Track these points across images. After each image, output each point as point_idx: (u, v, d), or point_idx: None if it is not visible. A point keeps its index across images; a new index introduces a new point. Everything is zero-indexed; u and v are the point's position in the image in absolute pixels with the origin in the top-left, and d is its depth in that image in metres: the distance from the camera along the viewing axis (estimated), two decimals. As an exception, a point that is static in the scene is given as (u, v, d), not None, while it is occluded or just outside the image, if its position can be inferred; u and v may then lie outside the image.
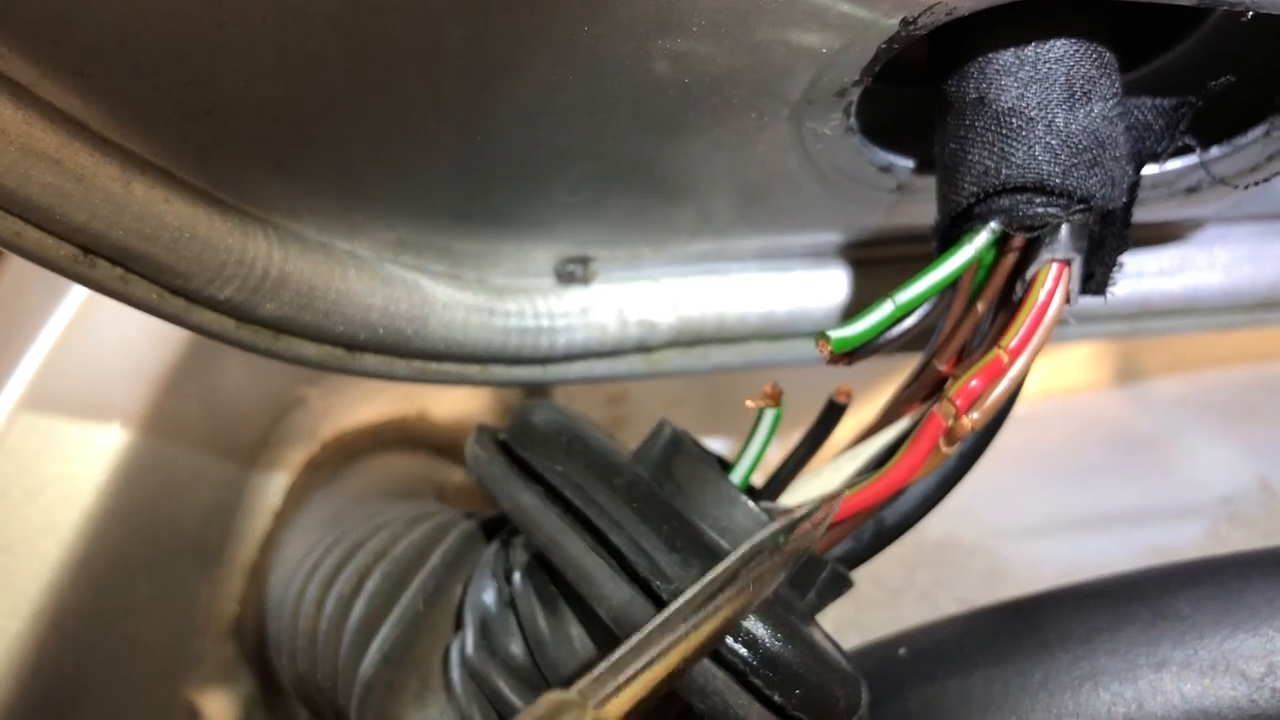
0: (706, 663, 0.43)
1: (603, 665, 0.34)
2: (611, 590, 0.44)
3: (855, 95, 0.46)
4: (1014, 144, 0.45)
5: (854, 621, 0.51)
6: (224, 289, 0.47)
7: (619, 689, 0.33)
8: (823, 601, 0.50)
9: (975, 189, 0.46)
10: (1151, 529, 0.71)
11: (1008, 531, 0.78)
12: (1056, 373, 0.91)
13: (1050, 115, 0.45)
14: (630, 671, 0.34)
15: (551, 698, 0.32)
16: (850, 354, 0.49)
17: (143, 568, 0.66)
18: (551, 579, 0.49)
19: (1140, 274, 0.63)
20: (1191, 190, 0.55)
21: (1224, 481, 0.83)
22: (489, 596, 0.51)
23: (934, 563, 0.76)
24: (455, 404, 0.81)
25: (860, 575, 0.52)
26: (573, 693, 0.33)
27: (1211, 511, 0.81)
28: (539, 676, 0.49)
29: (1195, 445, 0.86)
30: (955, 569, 0.75)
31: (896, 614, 0.57)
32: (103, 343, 0.67)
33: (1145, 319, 0.65)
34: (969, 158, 0.46)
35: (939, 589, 0.74)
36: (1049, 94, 0.45)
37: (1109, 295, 0.56)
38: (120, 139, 0.44)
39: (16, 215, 0.42)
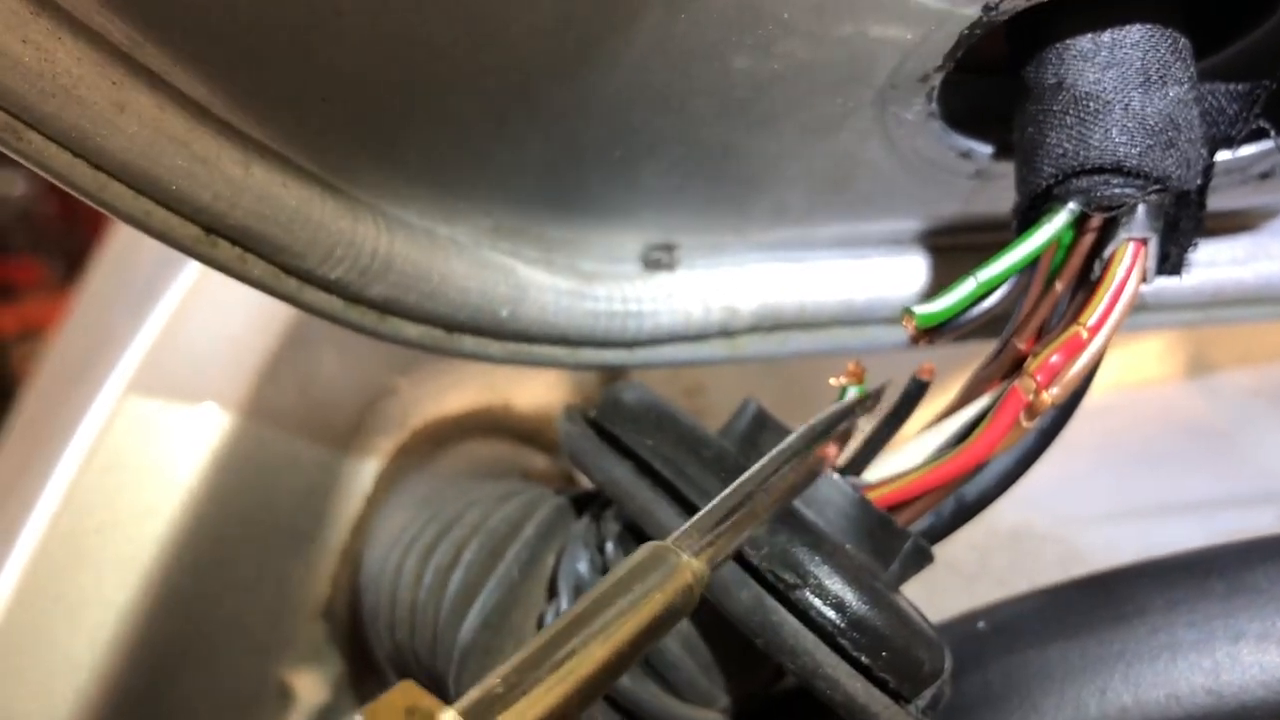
0: (797, 624, 0.45)
1: (694, 519, 0.38)
2: (703, 556, 0.46)
3: (938, 80, 0.48)
4: (1091, 127, 0.47)
5: (931, 605, 0.52)
6: (335, 269, 0.49)
7: (711, 541, 0.37)
8: (905, 573, 0.51)
9: (1054, 170, 0.48)
10: (1225, 516, 0.72)
11: (1082, 519, 0.79)
12: (1129, 366, 0.92)
13: (1126, 99, 0.47)
14: (720, 527, 0.38)
15: (649, 546, 0.36)
16: (932, 331, 0.50)
17: (241, 548, 0.69)
18: (643, 548, 0.51)
19: (1213, 263, 0.64)
20: (1265, 175, 0.56)
21: (1297, 470, 0.84)
22: (582, 565, 0.53)
23: (1009, 549, 0.77)
24: (537, 394, 0.83)
25: (936, 561, 0.54)
26: (668, 542, 0.36)
27: (1283, 499, 0.81)
28: (631, 641, 0.51)
29: (1267, 434, 0.86)
30: (1030, 555, 0.76)
31: (972, 599, 0.58)
32: (204, 332, 0.71)
33: (1218, 308, 0.65)
34: (1047, 140, 0.48)
35: (1014, 574, 0.75)
36: (1125, 78, 0.47)
37: (1184, 276, 0.57)
38: (241, 124, 0.46)
39: (147, 195, 0.45)
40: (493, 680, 0.28)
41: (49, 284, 4.05)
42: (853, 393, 0.52)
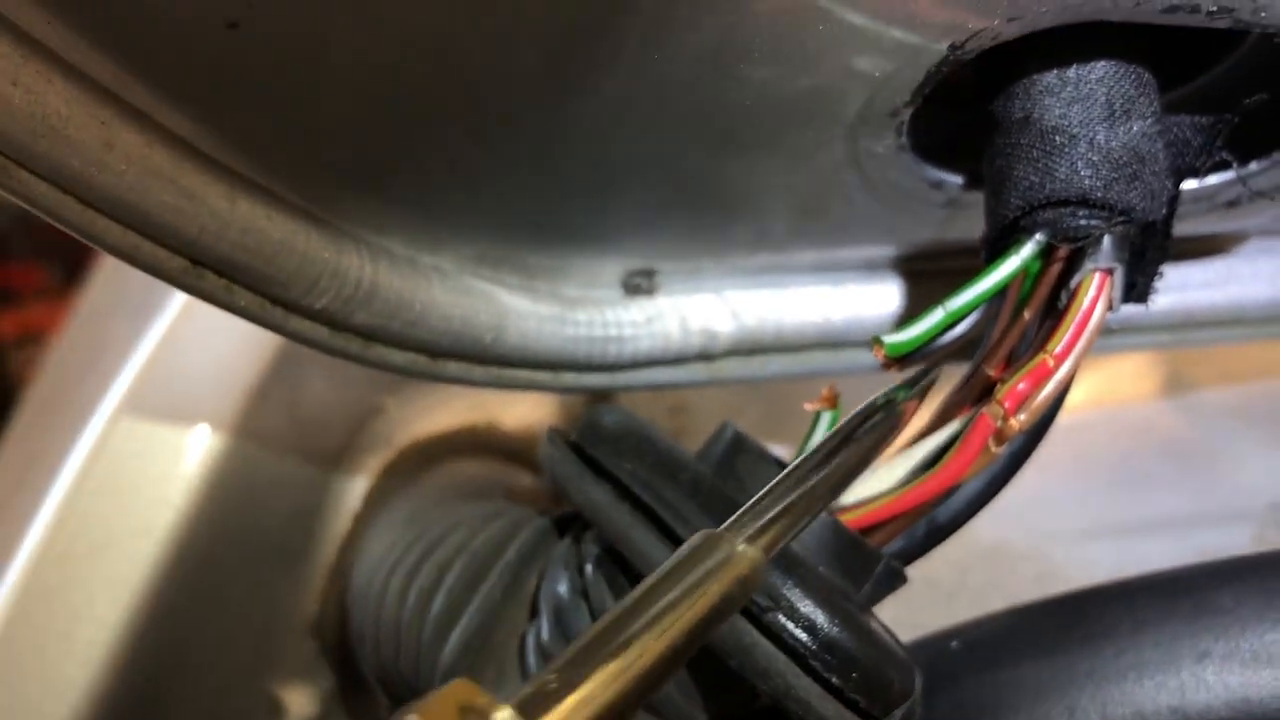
0: (770, 646, 0.46)
1: (746, 507, 0.38)
2: (679, 579, 0.47)
3: (907, 115, 0.49)
4: (1058, 160, 0.48)
5: (908, 622, 0.53)
6: (320, 299, 0.51)
7: (765, 529, 0.37)
8: (878, 595, 0.52)
9: (1021, 203, 0.49)
10: (1200, 534, 0.73)
11: (1059, 536, 0.80)
12: (1105, 385, 0.93)
13: (1092, 133, 0.48)
14: (770, 514, 0.38)
15: (702, 534, 0.35)
16: (903, 359, 0.52)
17: (232, 567, 0.70)
18: (622, 570, 0.52)
19: (1185, 286, 0.65)
20: (1231, 204, 0.57)
21: (1273, 488, 0.84)
22: (562, 587, 0.54)
23: (986, 566, 0.78)
24: (523, 413, 0.84)
25: (914, 578, 0.55)
26: (721, 530, 0.36)
27: (1260, 517, 0.82)
28: (610, 662, 0.52)
29: (1243, 453, 0.87)
30: (1007, 572, 0.77)
31: (950, 615, 0.59)
32: (195, 355, 0.72)
33: (1190, 330, 0.67)
34: (1015, 173, 0.49)
35: (991, 591, 0.76)
36: (1090, 112, 0.48)
37: (1151, 304, 0.59)
38: (227, 160, 0.47)
39: (135, 230, 0.46)
40: (547, 676, 0.28)
41: (49, 289, 4.06)
42: (826, 417, 0.53)
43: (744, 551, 0.35)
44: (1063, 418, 0.54)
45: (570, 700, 0.27)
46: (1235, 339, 0.67)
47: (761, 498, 0.39)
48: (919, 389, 0.51)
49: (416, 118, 0.47)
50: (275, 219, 0.49)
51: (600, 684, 0.28)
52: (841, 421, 0.47)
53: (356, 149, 0.49)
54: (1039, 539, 0.80)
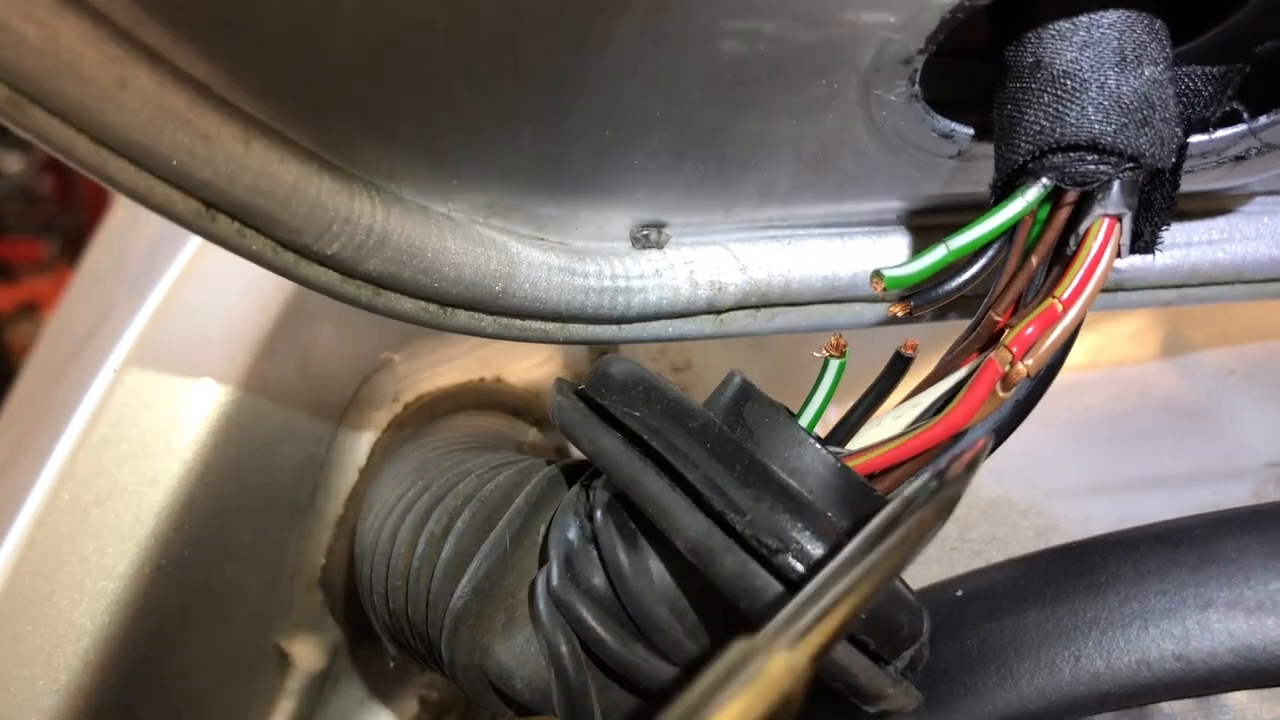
0: (780, 588, 0.46)
1: (785, 612, 0.36)
2: (689, 522, 0.47)
3: (920, 63, 0.49)
4: (1068, 104, 0.48)
5: (910, 576, 0.54)
6: (331, 245, 0.51)
7: (805, 632, 0.34)
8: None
9: (1031, 147, 0.49)
10: (1199, 490, 0.73)
11: (1059, 493, 0.81)
12: (1104, 347, 0.94)
13: (1103, 78, 0.48)
14: (811, 616, 0.35)
15: (740, 646, 0.32)
16: (906, 298, 0.52)
17: (239, 518, 0.71)
18: (631, 516, 0.53)
19: (1189, 243, 0.65)
20: (1239, 158, 0.57)
21: (1271, 446, 0.85)
22: (572, 533, 0.54)
23: (987, 522, 0.78)
24: (529, 370, 0.85)
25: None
26: (760, 638, 0.33)
27: (1258, 474, 0.83)
28: (619, 606, 0.52)
29: (1242, 412, 0.88)
30: (1008, 527, 0.78)
31: (950, 570, 0.59)
32: (203, 306, 0.72)
33: (1193, 287, 0.67)
34: (1025, 118, 0.49)
35: (992, 546, 0.77)
36: (1101, 58, 0.48)
37: (1154, 260, 0.59)
38: (240, 102, 0.47)
39: (149, 171, 0.46)
40: None
41: (45, 263, 4.06)
42: (834, 365, 0.53)
43: (783, 661, 0.32)
44: (1062, 378, 0.54)
45: None
46: (1237, 297, 0.68)
47: (807, 593, 0.37)
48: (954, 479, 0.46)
49: (427, 62, 0.47)
50: (289, 163, 0.49)
51: None
52: (882, 514, 0.44)
53: (368, 93, 0.49)
54: (1039, 496, 0.80)
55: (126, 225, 0.87)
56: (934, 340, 0.59)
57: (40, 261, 4.05)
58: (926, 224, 0.63)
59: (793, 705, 0.32)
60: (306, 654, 0.76)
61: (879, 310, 0.64)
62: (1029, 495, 0.80)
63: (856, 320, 0.64)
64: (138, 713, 0.69)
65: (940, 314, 0.64)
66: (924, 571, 0.53)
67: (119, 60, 0.43)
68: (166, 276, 0.71)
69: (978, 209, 0.53)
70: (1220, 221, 0.66)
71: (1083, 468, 0.83)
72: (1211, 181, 0.60)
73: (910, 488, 0.47)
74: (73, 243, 3.95)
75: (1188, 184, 0.54)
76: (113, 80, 0.43)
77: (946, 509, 0.43)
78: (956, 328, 0.56)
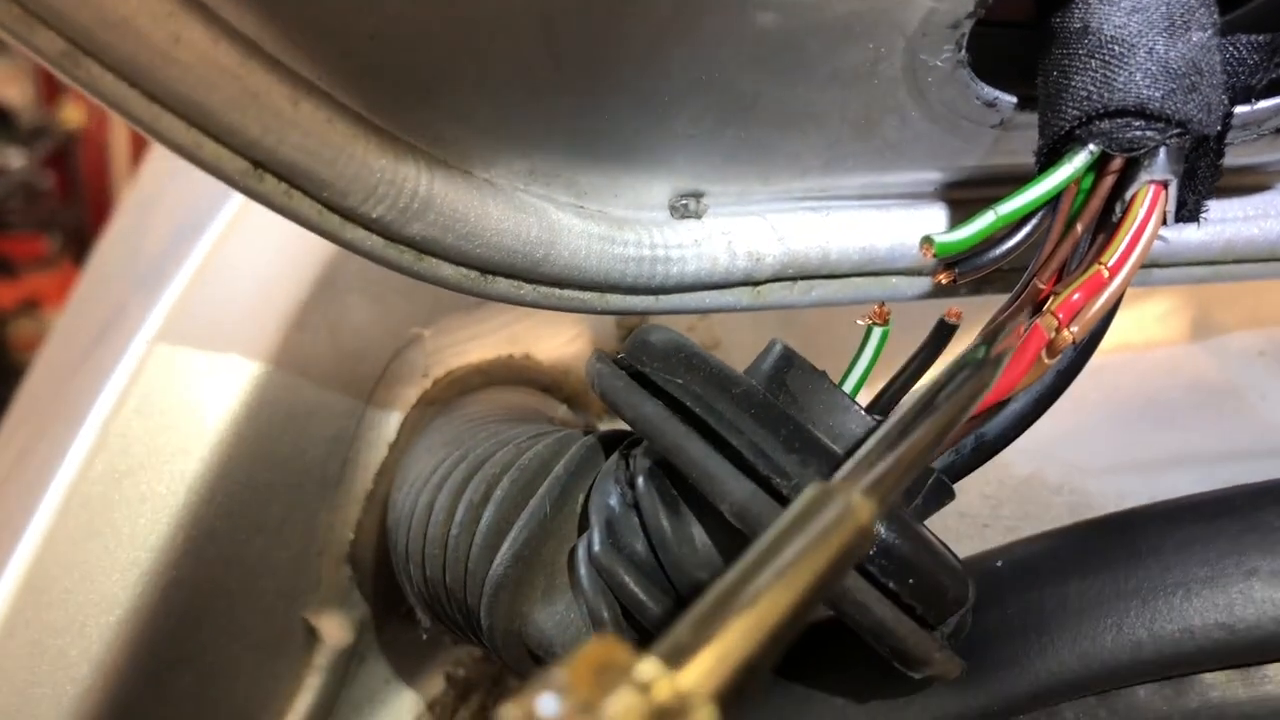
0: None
1: (853, 460, 0.38)
2: (734, 487, 0.47)
3: (968, 27, 0.49)
4: (1116, 70, 0.48)
5: (945, 552, 0.54)
6: (376, 207, 0.51)
7: (876, 482, 0.37)
8: (928, 509, 0.53)
9: (1077, 113, 0.49)
10: (1232, 467, 0.73)
11: (1091, 470, 0.81)
12: (1133, 328, 0.94)
13: (1151, 42, 0.48)
14: (882, 468, 0.38)
15: (815, 486, 0.34)
16: (954, 264, 0.52)
17: (270, 490, 0.71)
18: (673, 483, 0.53)
19: (1225, 219, 0.65)
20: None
21: (1304, 425, 0.85)
22: (613, 499, 0.54)
23: (1019, 499, 0.78)
24: (558, 346, 0.85)
25: (947, 511, 0.55)
26: (835, 483, 0.34)
27: (1289, 454, 0.83)
28: (661, 573, 0.52)
29: (1273, 392, 0.88)
30: (1040, 505, 0.78)
31: (983, 546, 0.59)
32: (235, 279, 0.72)
33: (1227, 264, 0.67)
34: (1072, 84, 0.49)
35: (1025, 523, 0.77)
36: (1150, 22, 0.48)
37: (1189, 235, 0.59)
38: (290, 61, 0.47)
39: (199, 128, 0.46)
40: (680, 630, 0.27)
41: (47, 259, 4.06)
42: (877, 333, 0.53)
43: (861, 503, 0.33)
44: (1091, 360, 0.55)
45: (708, 653, 0.27)
46: (1272, 274, 0.67)
47: (874, 443, 0.39)
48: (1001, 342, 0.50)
49: (473, 25, 0.47)
50: (336, 124, 0.49)
51: (734, 638, 0.27)
52: (932, 376, 0.46)
53: (416, 55, 0.49)
54: (1071, 473, 0.80)
55: (154, 194, 0.87)
56: (972, 315, 0.59)
57: (42, 257, 4.05)
58: (963, 197, 0.63)
59: (866, 545, 0.34)
60: (334, 629, 0.76)
61: (916, 283, 0.64)
62: (1061, 473, 0.80)
63: (893, 293, 0.64)
64: (167, 682, 0.69)
65: (975, 288, 0.64)
66: (958, 548, 0.52)
67: (172, 15, 0.43)
68: (198, 247, 0.71)
69: (1015, 182, 0.53)
70: (1257, 199, 0.66)
71: (1114, 446, 0.83)
72: (1250, 155, 0.60)
73: (957, 358, 0.47)
74: (74, 239, 3.96)
75: (1228, 157, 0.54)
76: (166, 35, 0.43)
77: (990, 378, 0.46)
78: (995, 300, 0.56)
